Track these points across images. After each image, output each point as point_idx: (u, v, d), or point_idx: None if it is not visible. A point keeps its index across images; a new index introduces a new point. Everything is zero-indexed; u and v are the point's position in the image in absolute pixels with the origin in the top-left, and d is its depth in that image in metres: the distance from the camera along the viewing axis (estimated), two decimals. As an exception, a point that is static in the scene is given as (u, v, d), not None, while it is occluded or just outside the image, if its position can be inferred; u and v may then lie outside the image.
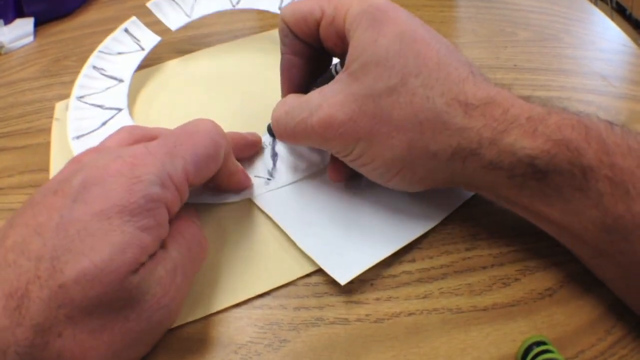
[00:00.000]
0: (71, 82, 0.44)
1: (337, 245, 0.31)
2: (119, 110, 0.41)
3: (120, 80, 0.43)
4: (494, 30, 0.51)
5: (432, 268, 0.31)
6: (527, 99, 0.27)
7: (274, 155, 0.37)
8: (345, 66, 0.29)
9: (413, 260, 0.31)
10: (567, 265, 0.30)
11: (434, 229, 0.32)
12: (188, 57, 0.49)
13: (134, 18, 0.48)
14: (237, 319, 0.29)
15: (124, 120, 0.40)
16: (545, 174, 0.24)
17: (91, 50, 0.41)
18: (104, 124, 0.40)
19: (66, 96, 0.45)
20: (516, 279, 0.30)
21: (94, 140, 0.38)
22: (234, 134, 0.35)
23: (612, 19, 0.53)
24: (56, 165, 0.39)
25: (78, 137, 0.38)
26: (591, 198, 0.24)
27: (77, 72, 0.43)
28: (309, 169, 0.35)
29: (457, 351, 0.27)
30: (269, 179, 0.35)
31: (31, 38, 0.54)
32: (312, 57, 0.34)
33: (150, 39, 0.47)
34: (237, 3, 0.49)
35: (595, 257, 0.26)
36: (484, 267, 0.31)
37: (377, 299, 0.29)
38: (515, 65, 0.46)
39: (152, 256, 0.25)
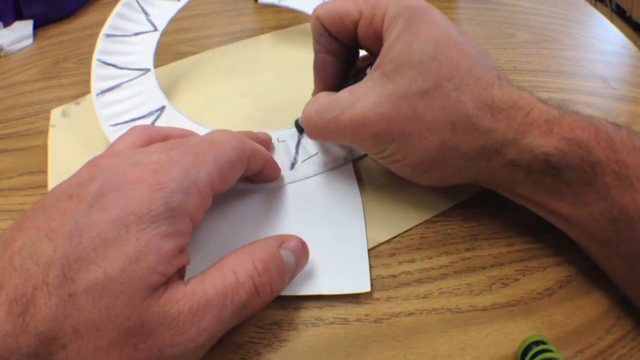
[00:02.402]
0: (71, 85, 0.44)
1: (334, 265, 0.31)
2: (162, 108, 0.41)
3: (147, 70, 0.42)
4: (493, 32, 0.51)
5: (431, 268, 0.31)
6: (545, 101, 0.28)
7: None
8: (376, 65, 0.29)
9: (412, 261, 0.31)
10: (567, 266, 0.30)
11: (433, 230, 0.32)
12: (204, 55, 0.50)
13: None
14: (237, 320, 0.29)
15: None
16: (559, 170, 0.26)
17: (91, 52, 0.41)
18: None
19: (65, 98, 0.45)
20: (515, 279, 0.30)
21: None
22: (247, 133, 0.35)
23: (612, 20, 0.54)
24: (54, 172, 0.38)
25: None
26: (599, 191, 0.25)
27: (77, 74, 0.43)
28: (331, 163, 0.36)
29: (456, 351, 0.27)
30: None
31: (30, 40, 0.54)
32: (345, 56, 0.34)
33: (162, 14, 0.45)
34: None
35: (602, 248, 0.27)
36: (484, 268, 0.31)
37: (377, 299, 0.29)
38: (515, 67, 0.46)
39: (180, 281, 0.24)
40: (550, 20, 0.52)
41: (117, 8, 0.43)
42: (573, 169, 0.26)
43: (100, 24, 0.42)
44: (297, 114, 0.40)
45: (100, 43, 0.41)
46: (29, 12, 0.55)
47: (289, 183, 0.35)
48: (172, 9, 0.45)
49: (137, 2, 0.44)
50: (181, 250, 0.24)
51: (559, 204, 0.27)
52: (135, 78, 0.41)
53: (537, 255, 0.31)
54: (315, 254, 0.30)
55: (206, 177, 0.26)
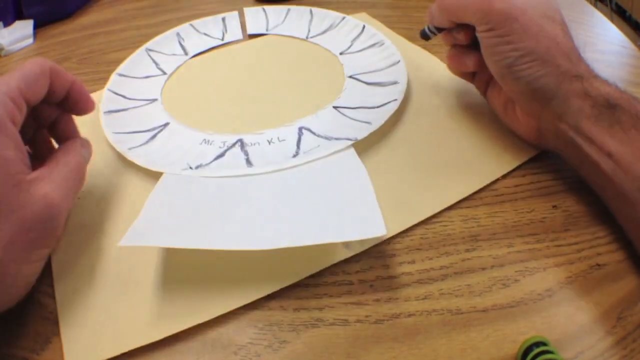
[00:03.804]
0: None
1: (347, 216, 0.31)
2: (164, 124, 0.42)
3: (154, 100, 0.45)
4: (493, 32, 0.51)
5: (431, 269, 0.31)
6: None
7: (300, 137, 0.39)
8: None
9: (413, 262, 0.31)
10: (567, 267, 0.30)
11: (433, 231, 0.33)
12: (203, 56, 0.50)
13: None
14: (237, 320, 0.29)
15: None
16: (615, 107, 0.32)
17: (91, 52, 0.41)
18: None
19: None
20: (516, 280, 0.30)
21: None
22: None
23: (612, 20, 0.54)
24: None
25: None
26: None
27: (77, 74, 0.43)
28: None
29: (457, 352, 0.27)
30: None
31: (31, 40, 0.54)
32: None
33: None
34: (308, 37, 0.52)
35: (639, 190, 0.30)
36: (484, 268, 0.30)
37: (377, 300, 0.29)
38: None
39: None
40: (550, 20, 0.52)
41: (132, 56, 0.48)
42: (625, 110, 0.31)
43: (101, 24, 0.42)
44: (296, 113, 0.40)
45: (113, 79, 0.45)
46: (30, 12, 0.55)
47: (294, 167, 0.36)
48: (181, 59, 0.49)
49: (149, 55, 0.49)
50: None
51: (611, 141, 0.31)
52: (143, 106, 0.44)
53: (537, 256, 0.31)
54: (327, 208, 0.31)
55: (15, 87, 0.30)
